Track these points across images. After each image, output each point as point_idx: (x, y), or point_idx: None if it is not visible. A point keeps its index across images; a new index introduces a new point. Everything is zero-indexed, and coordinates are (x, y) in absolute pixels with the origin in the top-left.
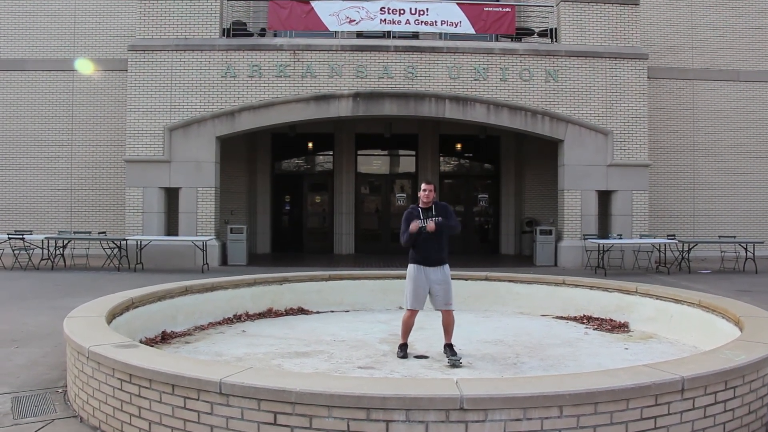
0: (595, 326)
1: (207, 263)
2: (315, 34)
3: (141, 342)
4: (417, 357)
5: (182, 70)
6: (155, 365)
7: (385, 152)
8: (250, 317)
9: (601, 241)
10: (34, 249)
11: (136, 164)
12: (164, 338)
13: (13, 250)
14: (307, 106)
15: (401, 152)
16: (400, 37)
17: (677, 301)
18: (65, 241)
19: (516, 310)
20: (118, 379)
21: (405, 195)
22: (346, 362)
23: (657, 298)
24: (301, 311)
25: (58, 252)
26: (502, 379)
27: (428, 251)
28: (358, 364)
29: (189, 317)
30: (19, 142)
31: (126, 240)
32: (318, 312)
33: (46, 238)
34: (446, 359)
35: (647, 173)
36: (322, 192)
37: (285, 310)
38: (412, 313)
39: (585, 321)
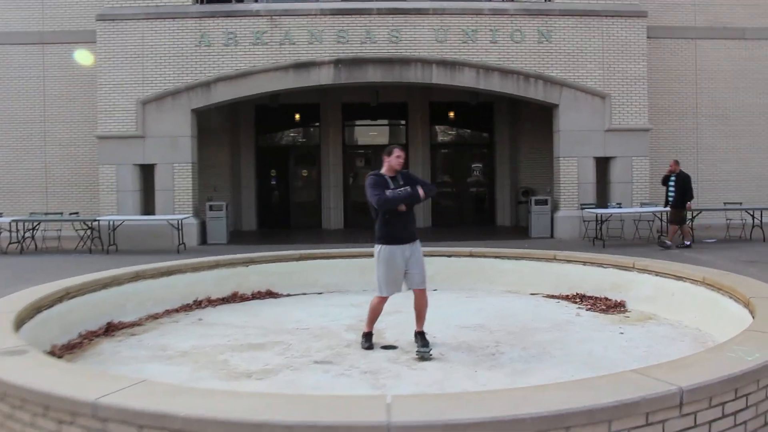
0: (589, 306)
1: (183, 243)
2: None
3: (81, 335)
4: (384, 347)
5: (154, 40)
6: (28, 380)
7: (374, 122)
8: (211, 303)
9: (599, 211)
10: (1, 232)
11: (109, 141)
12: (109, 330)
13: None
14: (286, 74)
15: (390, 122)
16: None
17: (678, 278)
18: (34, 224)
19: (503, 288)
20: None
21: None
22: (302, 355)
23: (656, 275)
24: (270, 295)
25: (27, 235)
26: (449, 396)
27: (403, 227)
28: (316, 357)
29: (141, 305)
30: None
31: (98, 220)
32: (288, 295)
33: (13, 220)
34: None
35: (648, 138)
36: (309, 165)
37: (252, 294)
38: (384, 299)
39: (578, 300)
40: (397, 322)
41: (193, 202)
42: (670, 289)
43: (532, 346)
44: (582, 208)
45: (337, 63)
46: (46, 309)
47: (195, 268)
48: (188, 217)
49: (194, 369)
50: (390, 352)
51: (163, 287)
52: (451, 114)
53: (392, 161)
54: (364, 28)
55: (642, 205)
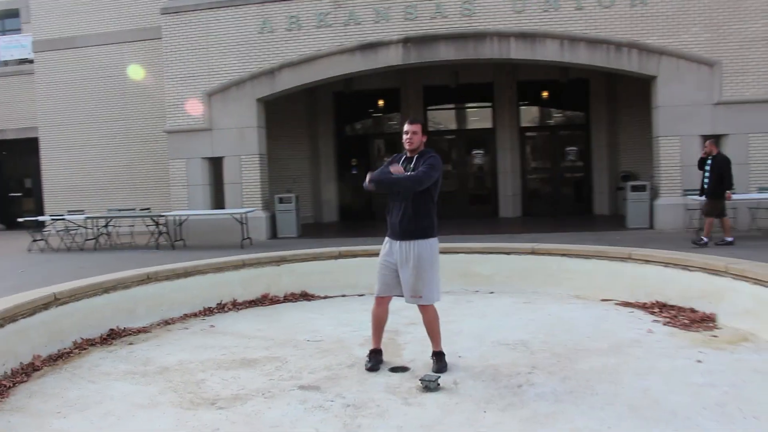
0: (668, 319)
1: (249, 237)
2: None
3: (75, 343)
4: (393, 369)
5: (217, 30)
6: None
7: (458, 106)
8: (237, 306)
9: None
10: (78, 229)
11: (178, 135)
12: (109, 337)
13: (57, 231)
14: (353, 57)
15: (476, 105)
16: None
17: None
18: (108, 220)
19: (571, 292)
20: None
21: (482, 152)
22: (291, 377)
23: (756, 283)
24: (304, 297)
25: (101, 231)
26: None
27: (395, 218)
28: (306, 380)
29: (154, 309)
30: (79, 121)
31: (164, 216)
32: (326, 297)
33: (87, 217)
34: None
35: None
36: (391, 153)
37: (284, 296)
38: (379, 302)
39: (656, 310)
40: (423, 335)
41: (263, 195)
42: None
43: (574, 376)
44: (686, 195)
45: (406, 42)
46: (23, 317)
47: (218, 269)
48: (253, 211)
49: (160, 391)
50: (396, 376)
51: (181, 290)
52: (545, 93)
53: (403, 140)
54: (433, 3)
55: (760, 190)
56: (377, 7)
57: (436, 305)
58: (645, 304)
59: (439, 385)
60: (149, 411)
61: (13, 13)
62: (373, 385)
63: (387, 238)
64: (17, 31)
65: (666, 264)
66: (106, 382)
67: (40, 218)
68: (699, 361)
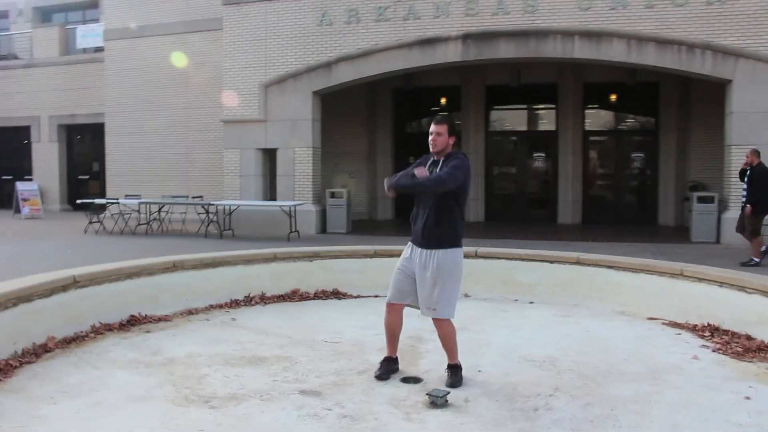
0: (719, 345)
1: (297, 230)
2: None
3: (93, 327)
4: (404, 380)
5: (276, 21)
6: None
7: (521, 106)
8: (265, 300)
9: None
10: (131, 213)
11: (233, 125)
12: (128, 324)
13: (112, 215)
14: (410, 52)
15: (538, 106)
16: None
17: None
18: (160, 206)
19: (616, 307)
20: None
21: (543, 155)
22: (296, 380)
23: None
24: (335, 295)
25: (154, 217)
26: None
27: (418, 225)
28: (309, 384)
29: (178, 298)
30: (141, 108)
31: (213, 204)
32: (358, 296)
33: (141, 202)
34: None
35: None
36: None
37: (314, 293)
38: (390, 309)
39: (707, 334)
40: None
41: (314, 189)
42: None
43: (599, 402)
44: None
45: (465, 38)
46: (39, 298)
47: (248, 261)
48: (303, 204)
49: (157, 383)
50: (405, 387)
51: (207, 280)
52: (612, 96)
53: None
54: None
55: None
56: (437, 2)
57: (458, 316)
58: (695, 326)
59: (447, 401)
60: (140, 404)
61: (94, 4)
62: (378, 395)
63: (409, 243)
64: (96, 21)
65: (721, 283)
66: (110, 370)
67: (96, 201)
68: (748, 398)
